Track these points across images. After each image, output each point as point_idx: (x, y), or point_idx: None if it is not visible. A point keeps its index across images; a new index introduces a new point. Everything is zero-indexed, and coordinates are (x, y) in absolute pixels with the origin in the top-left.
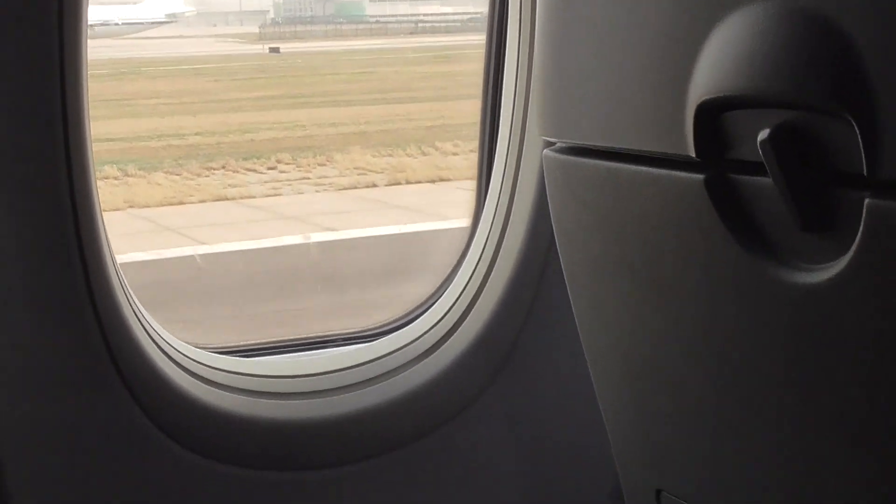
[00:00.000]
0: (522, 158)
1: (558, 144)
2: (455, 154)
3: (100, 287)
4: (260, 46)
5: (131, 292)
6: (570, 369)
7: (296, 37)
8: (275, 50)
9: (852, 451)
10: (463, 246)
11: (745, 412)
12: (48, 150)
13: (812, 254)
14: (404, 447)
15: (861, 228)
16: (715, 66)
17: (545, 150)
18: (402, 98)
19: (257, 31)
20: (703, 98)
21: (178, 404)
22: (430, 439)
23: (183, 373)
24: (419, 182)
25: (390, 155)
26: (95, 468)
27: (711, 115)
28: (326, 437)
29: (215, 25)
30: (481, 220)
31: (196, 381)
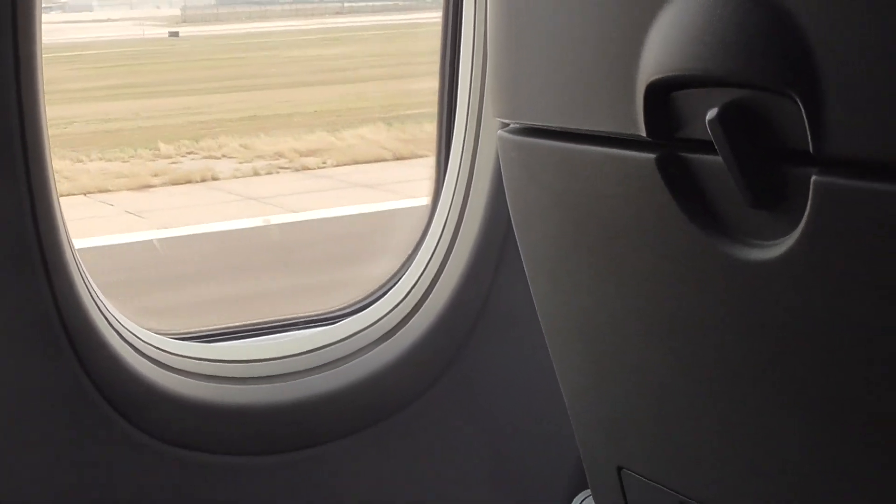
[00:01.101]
0: (480, 139)
1: (512, 125)
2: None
3: (59, 277)
4: (175, 30)
5: (91, 281)
6: (530, 348)
7: (217, 19)
8: (174, 34)
9: (808, 425)
10: (423, 227)
11: (703, 388)
12: (3, 136)
13: (762, 230)
14: (369, 428)
15: (809, 205)
16: (663, 45)
17: (499, 132)
18: (238, 86)
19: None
20: (653, 78)
21: (141, 393)
22: (394, 420)
23: (145, 360)
24: None
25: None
26: (59, 459)
27: (661, 94)
28: (290, 421)
29: (158, 7)
30: (440, 202)
31: (159, 368)
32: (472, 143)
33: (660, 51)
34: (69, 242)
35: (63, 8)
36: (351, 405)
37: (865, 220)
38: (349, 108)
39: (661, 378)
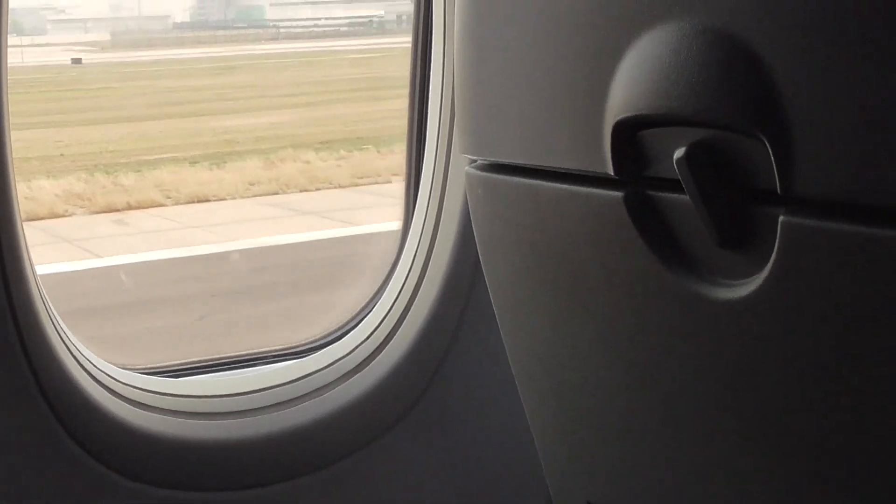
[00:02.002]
0: (449, 174)
1: (480, 161)
2: None
3: (24, 312)
4: (79, 57)
5: (57, 317)
6: (499, 383)
7: (149, 44)
8: (77, 61)
9: (775, 462)
10: (392, 260)
11: (669, 424)
12: None
13: (730, 270)
14: (338, 463)
15: (777, 244)
16: (630, 84)
17: (467, 168)
18: (49, 122)
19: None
20: (620, 116)
21: (108, 429)
22: (363, 454)
23: (112, 396)
24: None
25: None
26: (23, 495)
27: (628, 133)
28: (259, 456)
29: (87, 32)
30: (409, 235)
31: (125, 403)
32: (441, 178)
33: (627, 90)
34: (35, 277)
35: (20, 31)
36: (321, 439)
37: (833, 261)
38: (108, 151)
39: (627, 414)
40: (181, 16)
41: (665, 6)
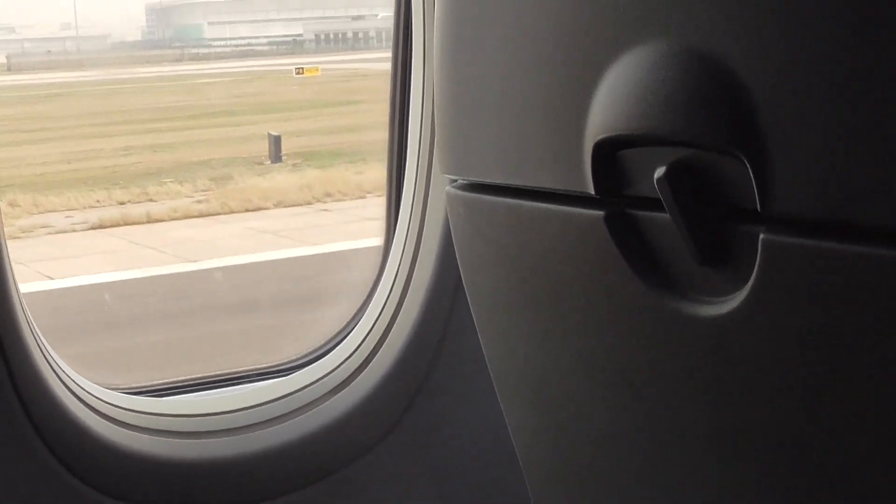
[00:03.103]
0: (430, 192)
1: (460, 181)
2: None
3: (8, 331)
4: None
5: (41, 336)
6: (482, 398)
7: (48, 67)
8: None
9: (755, 477)
10: (375, 277)
11: (652, 439)
12: None
13: (711, 287)
14: (322, 480)
15: (757, 262)
16: (610, 105)
17: (447, 187)
18: None
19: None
20: (600, 136)
21: (92, 449)
22: (349, 470)
23: (96, 416)
24: None
25: None
26: None
27: (609, 152)
28: (244, 475)
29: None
30: (391, 253)
31: (110, 423)
32: (422, 197)
33: (606, 110)
34: (19, 297)
35: None
36: (306, 457)
37: (813, 278)
38: None
39: (609, 429)
40: (132, 35)
41: (643, 28)
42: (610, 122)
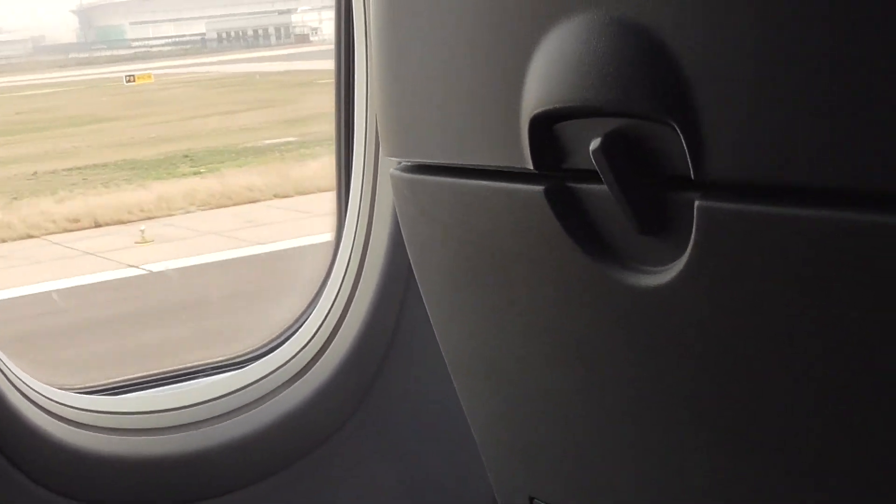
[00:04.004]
0: (378, 177)
1: (404, 163)
2: None
3: None
4: None
5: None
6: (438, 383)
7: None
8: None
9: (704, 443)
10: (327, 266)
11: (605, 413)
12: None
13: (652, 256)
14: (282, 471)
15: (694, 229)
16: (544, 79)
17: (392, 170)
18: None
19: None
20: (536, 111)
21: (46, 451)
22: (307, 461)
23: (49, 417)
24: None
25: None
26: None
27: (545, 127)
28: (204, 469)
29: None
30: (342, 240)
31: (63, 424)
32: (370, 182)
33: (540, 84)
34: None
35: None
36: (264, 449)
37: (749, 243)
38: None
39: (563, 405)
40: (67, 37)
41: (573, 0)
42: (545, 96)
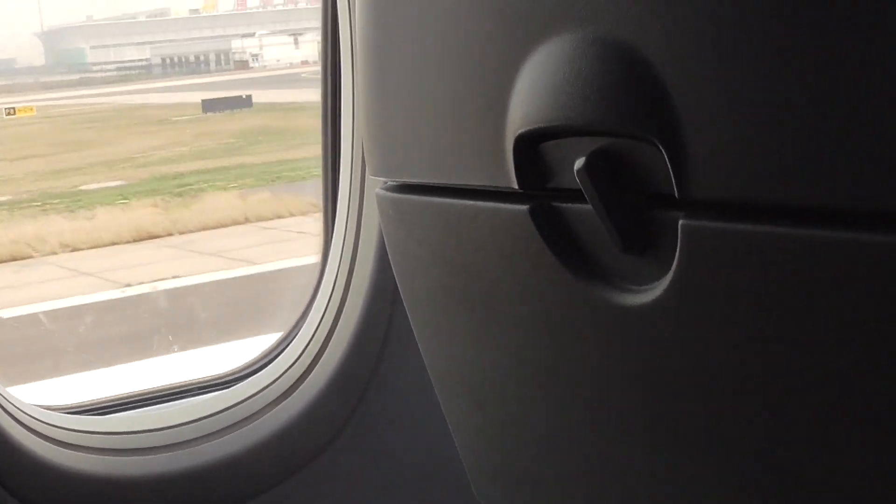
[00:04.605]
0: (364, 197)
1: (389, 183)
2: None
3: None
4: None
5: None
6: (424, 402)
7: None
8: None
9: (688, 464)
10: (314, 285)
11: (589, 429)
12: None
13: (637, 275)
14: (270, 490)
15: (678, 248)
16: (528, 98)
17: (377, 190)
18: None
19: None
20: (520, 130)
21: (35, 472)
22: (295, 480)
23: (36, 437)
24: None
25: None
26: None
27: (530, 146)
28: (191, 489)
29: None
30: (329, 260)
31: (52, 445)
32: (357, 202)
33: (525, 103)
34: None
35: None
36: (251, 468)
37: (733, 261)
38: None
39: (547, 422)
40: (37, 60)
41: (556, 19)
42: (529, 116)
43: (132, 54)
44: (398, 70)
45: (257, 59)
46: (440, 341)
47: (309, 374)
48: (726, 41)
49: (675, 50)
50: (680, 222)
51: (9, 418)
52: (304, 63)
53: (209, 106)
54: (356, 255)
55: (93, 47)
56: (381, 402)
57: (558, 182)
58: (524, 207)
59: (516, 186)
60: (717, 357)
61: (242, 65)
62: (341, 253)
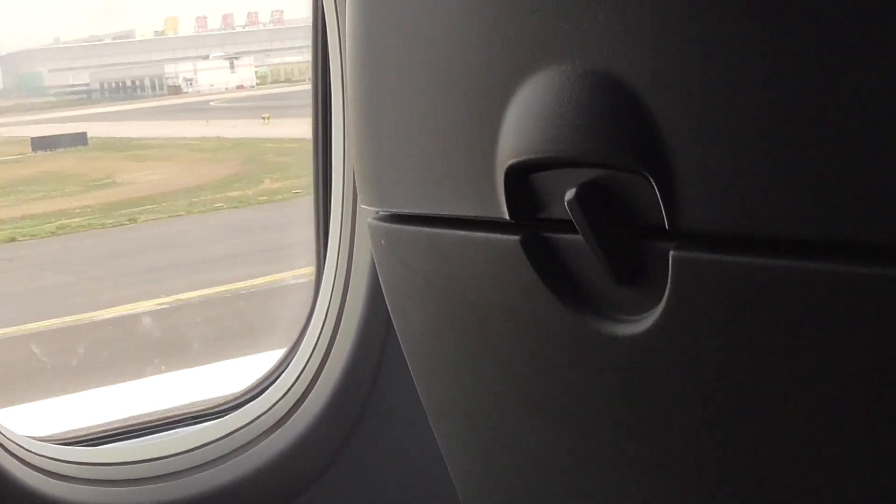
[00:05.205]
0: (356, 226)
1: (381, 212)
2: None
3: None
4: None
5: None
6: (418, 432)
7: None
8: None
9: (685, 494)
10: (307, 314)
11: (587, 464)
12: None
13: (628, 306)
14: None
15: (669, 279)
16: (518, 129)
17: (369, 219)
18: None
19: None
20: (511, 161)
21: (26, 503)
22: None
23: (28, 469)
24: None
25: None
26: None
27: (520, 177)
28: None
29: None
30: (321, 289)
31: (45, 477)
32: (349, 231)
33: (515, 134)
34: None
35: None
36: (243, 498)
37: (724, 292)
38: None
39: (542, 453)
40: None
41: (546, 51)
42: (520, 147)
43: (82, 79)
44: (389, 100)
45: (191, 84)
46: (433, 371)
47: (302, 403)
48: (715, 73)
49: (664, 82)
50: (671, 253)
51: (2, 451)
52: (240, 87)
53: (40, 144)
54: (348, 286)
55: (50, 71)
56: (373, 432)
57: (549, 213)
58: (515, 238)
59: (507, 217)
60: (708, 387)
61: (175, 90)
62: (333, 283)
